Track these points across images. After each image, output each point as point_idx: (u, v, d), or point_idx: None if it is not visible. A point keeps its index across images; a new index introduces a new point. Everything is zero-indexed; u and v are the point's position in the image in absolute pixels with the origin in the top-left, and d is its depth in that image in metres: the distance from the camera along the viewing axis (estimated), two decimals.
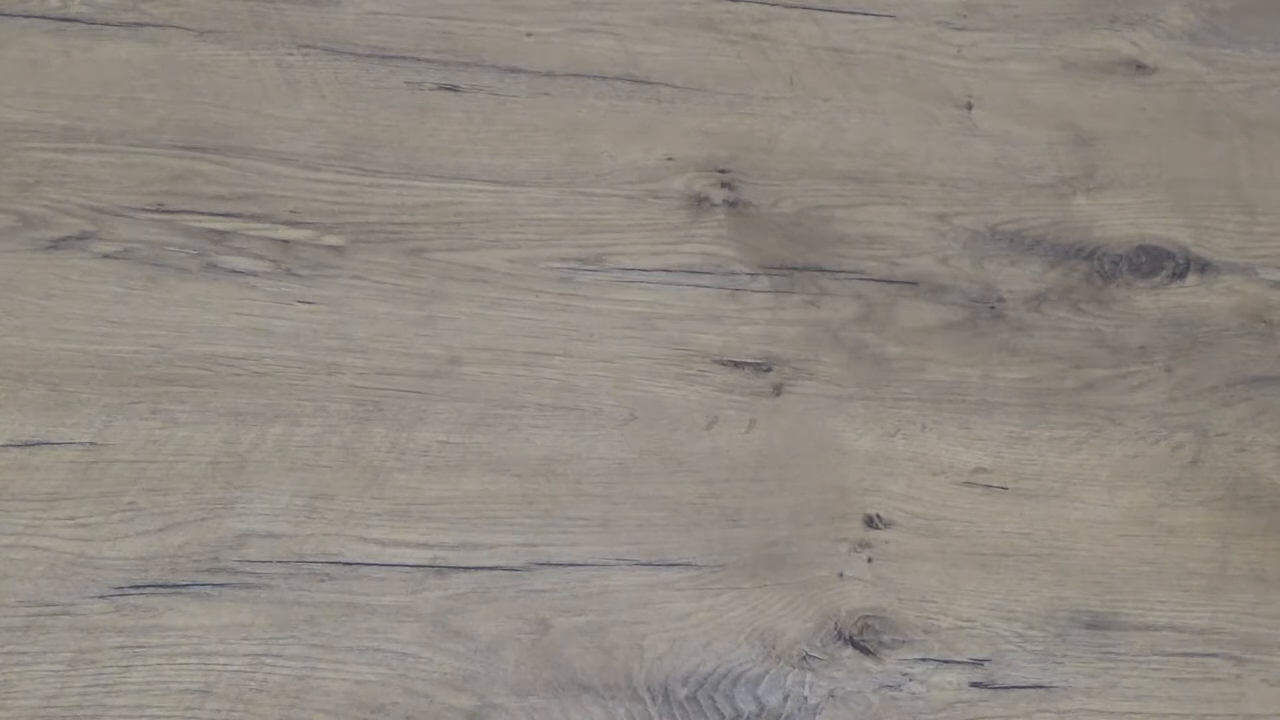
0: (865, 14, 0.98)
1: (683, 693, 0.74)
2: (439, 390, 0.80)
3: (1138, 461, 0.84)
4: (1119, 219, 0.93)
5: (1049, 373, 0.86)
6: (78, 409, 0.76)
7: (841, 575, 0.78)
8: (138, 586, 0.72)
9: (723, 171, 0.90)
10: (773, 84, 0.94)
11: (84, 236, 0.82)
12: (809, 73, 0.95)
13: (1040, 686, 0.76)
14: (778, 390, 0.83)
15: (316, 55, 0.90)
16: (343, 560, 0.74)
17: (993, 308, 0.88)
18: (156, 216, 0.83)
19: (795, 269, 0.87)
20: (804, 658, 0.75)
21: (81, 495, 0.74)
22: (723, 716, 0.73)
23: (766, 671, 0.75)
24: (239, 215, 0.84)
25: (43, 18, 0.88)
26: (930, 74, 0.96)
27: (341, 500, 0.76)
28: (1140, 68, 0.99)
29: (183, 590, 0.72)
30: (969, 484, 0.82)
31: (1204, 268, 0.92)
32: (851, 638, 0.76)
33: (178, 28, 0.90)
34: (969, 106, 0.95)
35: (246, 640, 0.72)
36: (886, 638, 0.76)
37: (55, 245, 0.81)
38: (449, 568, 0.75)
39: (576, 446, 0.80)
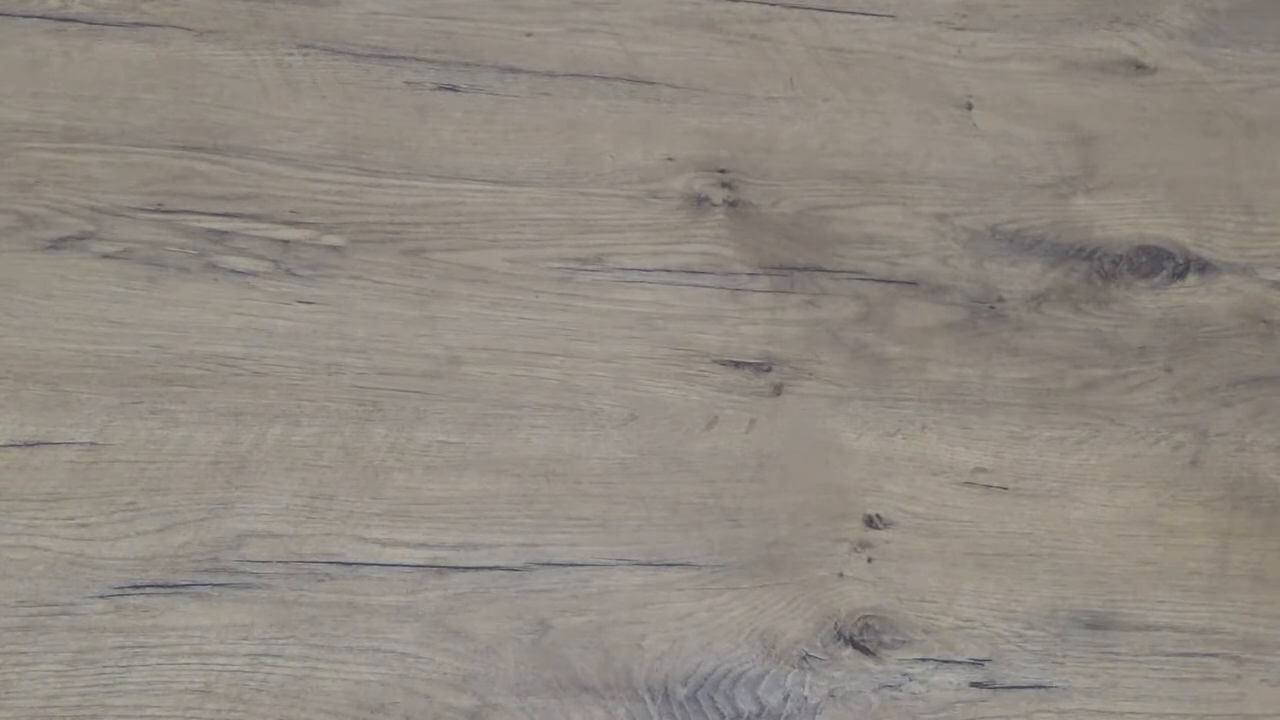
0: (865, 14, 0.98)
1: (683, 693, 0.74)
2: (439, 390, 0.80)
3: (1138, 461, 0.84)
4: (1119, 219, 0.93)
5: (1049, 373, 0.86)
6: (78, 409, 0.76)
7: (841, 575, 0.78)
8: (138, 586, 0.72)
9: (723, 171, 0.90)
10: (773, 84, 0.94)
11: (84, 236, 0.82)
12: (809, 73, 0.95)
13: (1040, 686, 0.76)
14: (778, 390, 0.83)
15: (316, 55, 0.90)
16: (343, 560, 0.74)
17: (993, 308, 0.88)
18: (156, 216, 0.83)
19: (795, 269, 0.87)
20: (804, 658, 0.75)
21: (81, 495, 0.74)
22: (723, 716, 0.73)
23: (766, 671, 0.75)
24: (239, 215, 0.84)
25: (43, 18, 0.88)
26: (930, 74, 0.96)
27: (341, 500, 0.76)
28: (1140, 68, 0.99)
29: (183, 590, 0.72)
30: (969, 484, 0.82)
31: (1204, 268, 0.92)
32: (851, 638, 0.76)
33: (178, 28, 0.90)
34: (969, 106, 0.95)
35: (246, 640, 0.72)
36: (886, 638, 0.76)
37: (55, 245, 0.81)
38: (449, 568, 0.75)
39: (576, 446, 0.80)
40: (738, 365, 0.84)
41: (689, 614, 0.76)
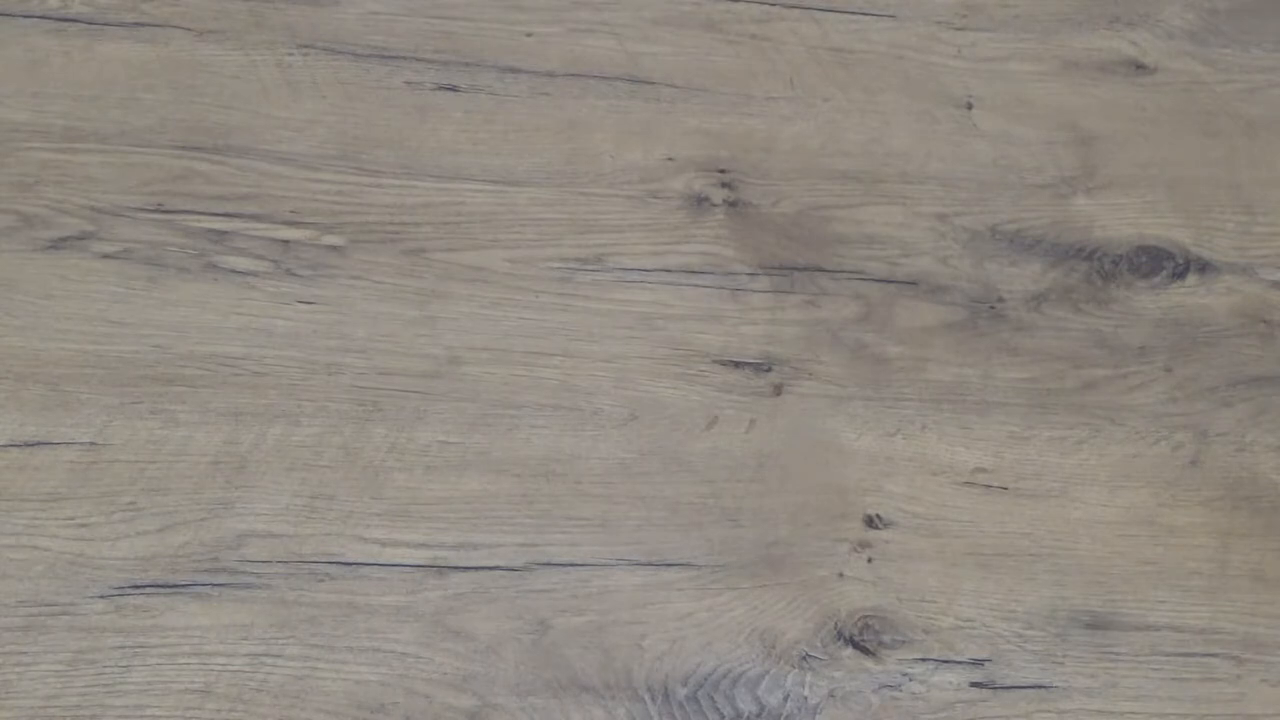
0: (865, 14, 0.98)
1: (683, 693, 0.74)
2: (439, 390, 0.80)
3: (1138, 461, 0.84)
4: (1119, 219, 0.93)
5: (1049, 373, 0.86)
6: (78, 409, 0.76)
7: (841, 575, 0.78)
8: (138, 586, 0.72)
9: (723, 171, 0.90)
10: (773, 84, 0.94)
11: (84, 236, 0.82)
12: (809, 73, 0.95)
13: (1040, 686, 0.76)
14: (778, 390, 0.83)
15: (316, 55, 0.90)
16: (343, 560, 0.74)
17: (993, 308, 0.88)
18: (156, 216, 0.83)
19: (795, 269, 0.87)
20: (804, 658, 0.75)
21: (81, 495, 0.74)
22: (723, 716, 0.73)
23: (766, 671, 0.75)
24: (239, 215, 0.84)
25: (43, 18, 0.88)
26: (930, 74, 0.96)
27: (341, 500, 0.76)
28: (1140, 68, 0.99)
29: (183, 590, 0.72)
30: (969, 484, 0.82)
31: (1204, 268, 0.92)
32: (851, 638, 0.76)
33: (178, 28, 0.90)
34: (969, 106, 0.95)
35: (246, 640, 0.72)
36: (886, 638, 0.76)
37: (55, 245, 0.81)
38: (449, 568, 0.75)
39: (576, 446, 0.80)
40: (738, 365, 0.84)
41: (689, 614, 0.76)
